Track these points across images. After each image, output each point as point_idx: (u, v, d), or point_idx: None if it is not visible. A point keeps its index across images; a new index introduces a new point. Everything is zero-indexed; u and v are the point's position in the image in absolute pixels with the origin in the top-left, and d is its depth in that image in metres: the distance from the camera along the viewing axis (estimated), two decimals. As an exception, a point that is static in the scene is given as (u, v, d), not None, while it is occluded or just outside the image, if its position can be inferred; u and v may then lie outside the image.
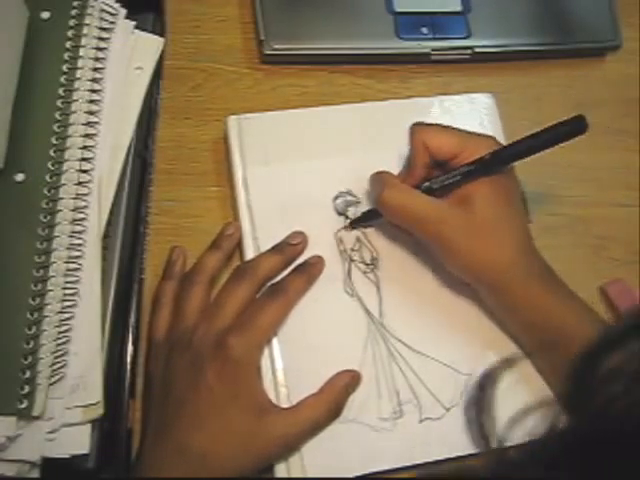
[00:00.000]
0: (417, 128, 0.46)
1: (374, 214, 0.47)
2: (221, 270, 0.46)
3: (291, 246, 0.46)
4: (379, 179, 0.46)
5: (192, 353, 0.41)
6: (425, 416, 0.44)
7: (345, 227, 0.48)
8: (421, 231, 0.44)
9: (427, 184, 0.45)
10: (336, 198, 0.49)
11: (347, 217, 0.49)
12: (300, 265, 0.46)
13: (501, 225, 0.43)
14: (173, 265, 0.46)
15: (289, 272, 0.46)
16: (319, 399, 0.42)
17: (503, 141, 0.52)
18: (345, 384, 0.43)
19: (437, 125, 0.46)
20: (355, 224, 0.48)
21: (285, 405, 0.43)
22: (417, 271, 0.48)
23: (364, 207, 0.49)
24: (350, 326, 0.46)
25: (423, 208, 0.43)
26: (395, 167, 0.50)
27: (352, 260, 0.48)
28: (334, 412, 0.43)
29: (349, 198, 0.49)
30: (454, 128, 0.46)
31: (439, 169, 0.46)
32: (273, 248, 0.46)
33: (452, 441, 0.44)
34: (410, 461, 0.43)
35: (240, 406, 0.40)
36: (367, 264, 0.48)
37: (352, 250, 0.48)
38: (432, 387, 0.45)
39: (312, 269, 0.46)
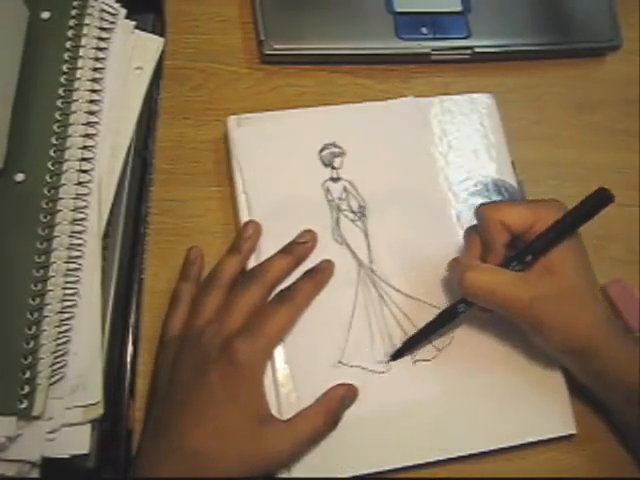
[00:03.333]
0: (489, 207, 0.44)
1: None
2: (241, 272, 0.46)
3: (300, 245, 0.46)
4: (458, 263, 0.43)
5: (199, 353, 0.41)
6: (418, 357, 0.45)
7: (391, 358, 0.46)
8: (514, 312, 0.42)
9: (515, 263, 0.42)
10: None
11: (333, 167, 0.50)
12: (309, 270, 0.46)
13: (585, 288, 0.42)
14: (191, 266, 0.46)
15: (299, 277, 0.46)
16: (316, 411, 0.42)
17: (503, 141, 0.52)
18: (341, 396, 0.43)
19: (505, 202, 0.45)
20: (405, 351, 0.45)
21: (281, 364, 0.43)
22: (404, 217, 0.49)
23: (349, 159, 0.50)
24: (341, 274, 0.47)
25: (514, 287, 0.41)
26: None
27: (340, 209, 0.48)
28: (331, 423, 0.43)
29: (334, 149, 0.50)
30: (519, 202, 0.45)
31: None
32: (282, 250, 0.46)
33: (446, 379, 0.45)
34: (404, 402, 0.44)
35: (239, 410, 0.40)
36: (355, 212, 0.49)
37: (340, 199, 0.49)
38: None
39: (321, 275, 0.46)
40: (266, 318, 0.43)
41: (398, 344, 0.45)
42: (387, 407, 0.44)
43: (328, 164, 0.50)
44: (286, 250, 0.46)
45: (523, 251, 0.42)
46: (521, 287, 0.41)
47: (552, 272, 0.42)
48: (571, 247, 0.42)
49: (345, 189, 0.49)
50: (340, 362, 0.45)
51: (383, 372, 0.45)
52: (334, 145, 0.50)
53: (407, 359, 0.45)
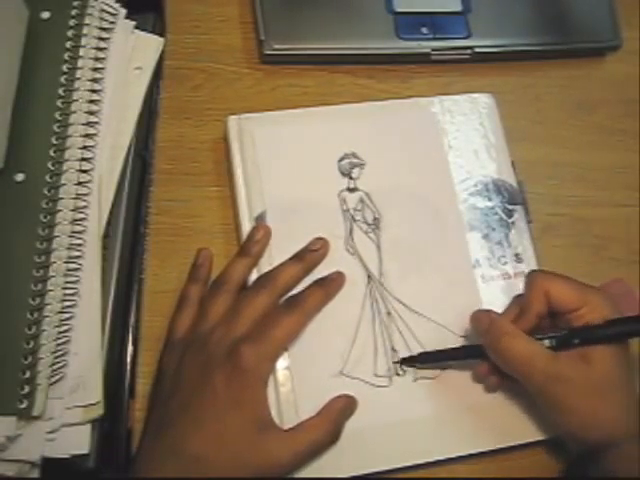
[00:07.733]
0: (540, 275, 0.44)
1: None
2: (249, 276, 0.46)
3: (311, 252, 0.46)
4: (494, 323, 0.43)
5: (205, 356, 0.41)
6: (420, 375, 0.45)
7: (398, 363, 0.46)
8: (535, 385, 0.42)
9: (550, 341, 0.42)
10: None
11: (351, 177, 0.49)
12: (320, 279, 0.46)
13: (619, 386, 0.42)
14: (199, 268, 0.46)
15: (309, 285, 0.46)
16: (317, 421, 0.42)
17: (503, 141, 0.52)
18: (341, 407, 0.43)
19: (559, 275, 0.44)
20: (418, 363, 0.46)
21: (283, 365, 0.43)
22: (417, 233, 0.49)
23: (368, 170, 0.49)
24: (350, 284, 0.47)
25: (545, 364, 0.41)
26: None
27: (354, 220, 0.48)
28: (332, 434, 0.42)
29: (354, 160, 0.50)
30: (574, 280, 0.44)
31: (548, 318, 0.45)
32: (294, 256, 0.46)
33: (445, 401, 0.45)
34: (402, 419, 0.44)
35: (241, 416, 0.40)
36: (369, 224, 0.49)
37: (355, 210, 0.49)
38: (428, 347, 0.46)
39: (331, 284, 0.46)
40: (272, 325, 0.42)
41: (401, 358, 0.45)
42: (386, 421, 0.44)
43: (346, 174, 0.49)
44: (297, 257, 0.46)
45: (568, 333, 0.42)
46: (551, 365, 0.41)
47: (588, 362, 0.41)
48: (618, 349, 0.42)
49: (361, 200, 0.49)
50: (341, 373, 0.44)
51: (384, 387, 0.45)
52: (354, 155, 0.50)
53: (408, 376, 0.45)
